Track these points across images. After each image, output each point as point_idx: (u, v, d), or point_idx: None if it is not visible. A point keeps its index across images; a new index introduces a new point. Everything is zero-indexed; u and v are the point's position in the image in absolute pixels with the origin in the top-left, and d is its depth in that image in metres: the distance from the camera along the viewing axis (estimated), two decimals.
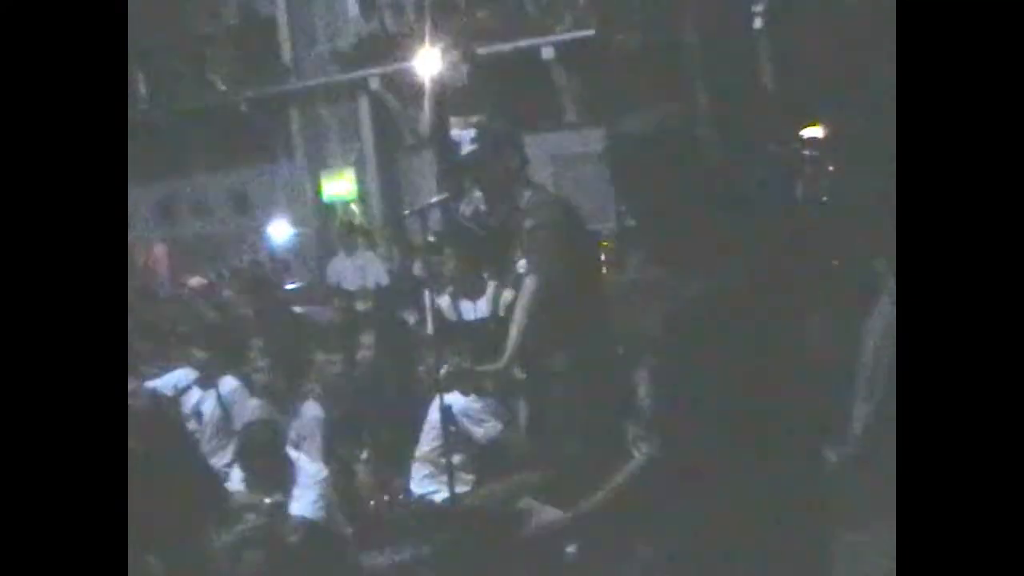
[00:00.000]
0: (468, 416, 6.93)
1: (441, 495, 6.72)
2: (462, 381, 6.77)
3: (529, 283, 5.86)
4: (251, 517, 6.45)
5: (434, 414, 6.65)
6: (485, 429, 6.95)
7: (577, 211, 5.98)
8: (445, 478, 6.40)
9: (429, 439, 6.94)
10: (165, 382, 8.54)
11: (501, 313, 8.59)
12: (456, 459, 6.50)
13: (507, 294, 9.03)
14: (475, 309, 8.70)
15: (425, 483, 6.93)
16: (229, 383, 8.40)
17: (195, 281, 14.40)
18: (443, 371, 6.58)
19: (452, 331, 7.79)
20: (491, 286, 8.79)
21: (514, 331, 5.94)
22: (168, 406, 8.00)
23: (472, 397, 6.95)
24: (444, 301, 7.93)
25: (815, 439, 3.16)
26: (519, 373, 7.00)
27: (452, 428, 6.64)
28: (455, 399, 6.84)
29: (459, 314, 8.29)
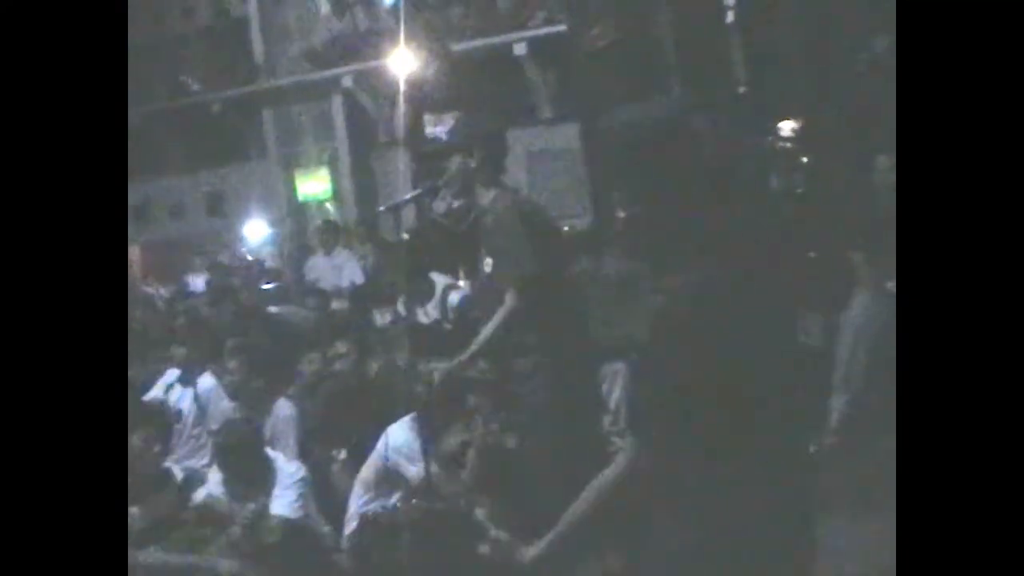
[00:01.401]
0: (402, 453, 6.68)
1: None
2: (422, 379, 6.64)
3: (508, 300, 5.85)
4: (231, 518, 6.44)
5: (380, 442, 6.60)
6: (418, 469, 6.71)
7: (543, 209, 5.97)
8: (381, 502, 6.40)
9: (369, 465, 6.85)
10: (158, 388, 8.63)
11: (450, 316, 8.62)
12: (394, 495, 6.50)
13: (453, 296, 9.05)
14: (426, 313, 8.72)
15: (363, 507, 6.81)
16: (206, 381, 8.40)
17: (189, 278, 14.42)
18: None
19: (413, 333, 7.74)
20: (439, 288, 8.82)
21: (484, 333, 5.93)
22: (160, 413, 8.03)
23: (412, 434, 6.67)
24: (399, 307, 7.91)
25: (798, 432, 3.16)
26: (488, 373, 6.98)
27: (387, 461, 6.59)
28: (397, 431, 6.72)
29: (413, 318, 8.29)
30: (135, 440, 6.56)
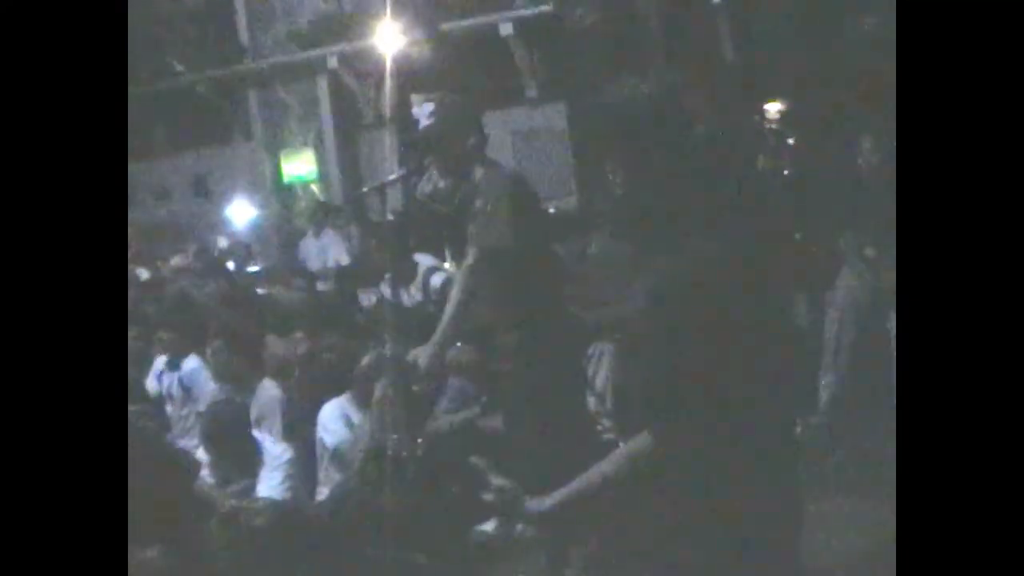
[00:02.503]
0: (327, 428, 7.10)
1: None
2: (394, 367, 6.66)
3: (467, 259, 5.82)
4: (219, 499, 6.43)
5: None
6: (335, 441, 7.05)
7: (530, 187, 5.94)
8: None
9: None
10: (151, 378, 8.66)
11: (433, 297, 8.62)
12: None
13: (435, 279, 9.06)
14: (409, 295, 8.73)
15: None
16: (191, 363, 8.41)
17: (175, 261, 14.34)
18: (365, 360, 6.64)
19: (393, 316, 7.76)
20: (421, 271, 8.82)
21: (448, 308, 5.91)
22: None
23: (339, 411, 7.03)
24: (384, 288, 7.90)
25: (786, 411, 3.16)
26: (469, 353, 6.98)
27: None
28: (327, 408, 6.96)
29: (397, 300, 8.30)
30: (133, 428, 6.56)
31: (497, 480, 3.53)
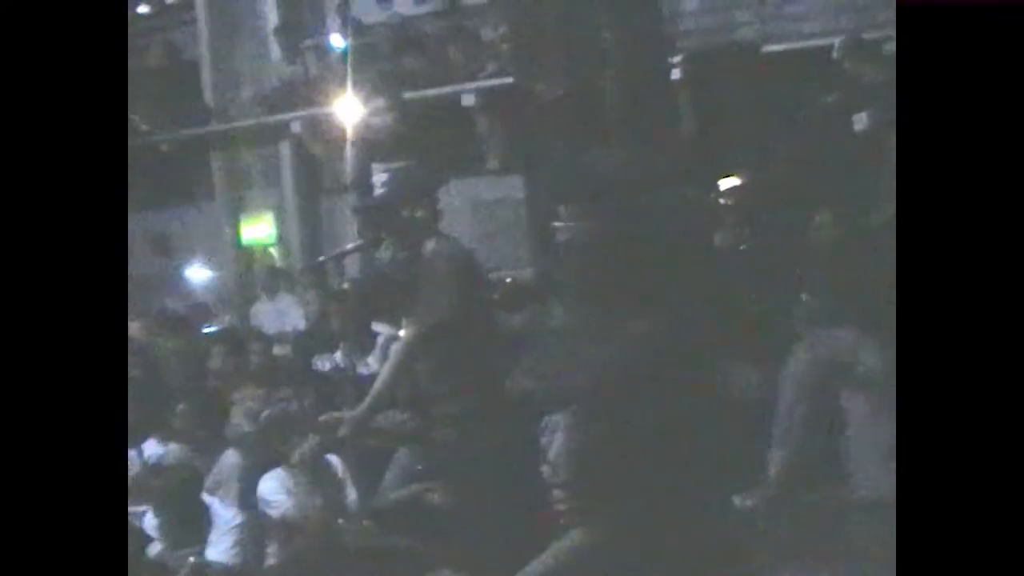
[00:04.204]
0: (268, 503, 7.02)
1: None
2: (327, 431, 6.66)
3: (407, 330, 5.86)
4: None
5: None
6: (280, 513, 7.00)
7: (477, 261, 5.98)
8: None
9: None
10: None
11: None
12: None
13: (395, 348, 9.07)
14: (367, 365, 8.73)
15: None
16: (151, 447, 8.33)
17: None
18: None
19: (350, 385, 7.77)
20: (380, 340, 8.82)
21: (381, 375, 5.93)
22: None
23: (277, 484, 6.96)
24: (338, 356, 7.90)
25: (731, 485, 3.20)
26: (406, 419, 6.98)
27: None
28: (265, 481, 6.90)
29: (353, 369, 8.31)
30: None
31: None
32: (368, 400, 5.90)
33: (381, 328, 9.46)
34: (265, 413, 7.38)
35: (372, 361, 9.12)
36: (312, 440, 6.88)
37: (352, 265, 7.44)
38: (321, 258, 8.85)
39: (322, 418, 6.33)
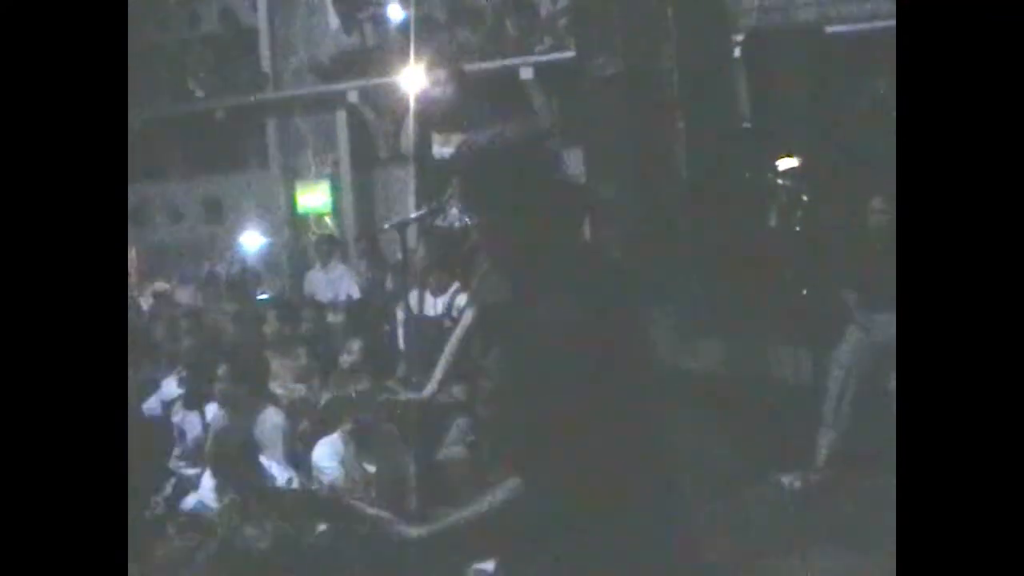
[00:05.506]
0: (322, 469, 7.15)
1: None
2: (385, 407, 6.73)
3: (467, 314, 5.89)
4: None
5: None
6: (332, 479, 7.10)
7: None
8: None
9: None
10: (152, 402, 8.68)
11: (454, 314, 8.67)
12: None
13: (460, 298, 9.11)
14: (435, 305, 8.79)
15: None
16: (213, 409, 8.41)
17: (159, 286, 14.39)
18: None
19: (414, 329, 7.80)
20: (453, 287, 8.87)
21: (440, 363, 5.99)
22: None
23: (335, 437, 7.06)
24: (413, 296, 7.93)
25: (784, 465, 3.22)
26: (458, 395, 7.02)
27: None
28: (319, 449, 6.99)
29: (422, 309, 8.33)
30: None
31: (371, 510, 3.61)
32: (430, 385, 5.98)
33: (439, 300, 9.49)
34: (317, 383, 7.45)
35: (440, 305, 9.18)
36: (368, 412, 6.95)
37: (410, 235, 7.49)
38: (385, 226, 8.85)
39: (381, 398, 6.37)
